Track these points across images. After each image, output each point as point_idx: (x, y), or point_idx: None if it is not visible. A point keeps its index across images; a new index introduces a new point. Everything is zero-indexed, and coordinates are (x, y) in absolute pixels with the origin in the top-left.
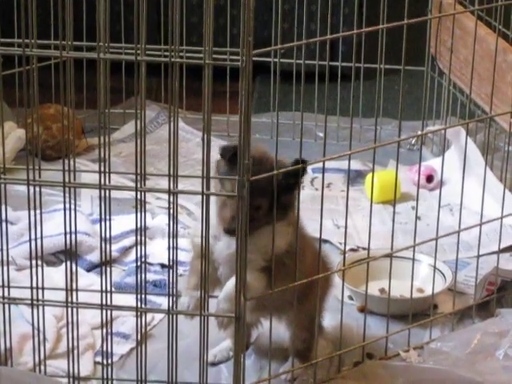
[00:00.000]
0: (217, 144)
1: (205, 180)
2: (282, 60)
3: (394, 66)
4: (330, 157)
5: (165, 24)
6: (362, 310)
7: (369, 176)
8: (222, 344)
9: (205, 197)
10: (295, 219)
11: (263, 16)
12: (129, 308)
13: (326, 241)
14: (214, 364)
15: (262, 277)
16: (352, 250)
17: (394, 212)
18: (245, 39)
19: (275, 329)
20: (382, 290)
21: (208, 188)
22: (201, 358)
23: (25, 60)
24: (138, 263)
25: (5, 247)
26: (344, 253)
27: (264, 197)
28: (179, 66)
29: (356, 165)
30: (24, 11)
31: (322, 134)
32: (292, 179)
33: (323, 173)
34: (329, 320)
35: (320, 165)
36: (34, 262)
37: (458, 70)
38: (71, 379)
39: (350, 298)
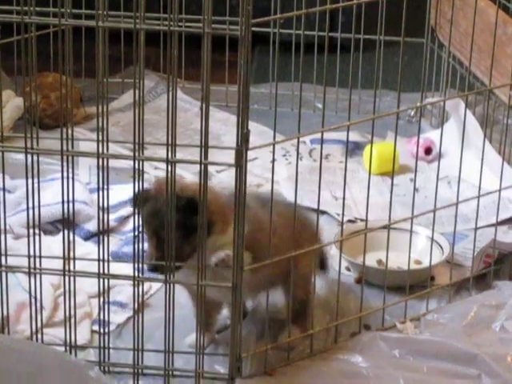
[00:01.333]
0: (216, 114)
1: (203, 149)
2: (281, 30)
3: (393, 37)
4: (329, 127)
5: None
6: (359, 281)
7: (367, 147)
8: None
9: (203, 166)
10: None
11: None
12: (126, 277)
13: (323, 212)
14: None
15: (246, 256)
16: (350, 221)
17: (392, 184)
18: (244, 8)
19: (272, 298)
20: (379, 262)
21: (206, 157)
22: (197, 327)
23: (23, 28)
24: (136, 233)
25: (2, 216)
26: (342, 224)
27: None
28: (178, 34)
29: (354, 136)
30: None
31: (320, 105)
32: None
33: (322, 144)
34: (326, 291)
35: (318, 136)
36: (31, 230)
37: (458, 42)
38: (68, 348)
39: (348, 269)
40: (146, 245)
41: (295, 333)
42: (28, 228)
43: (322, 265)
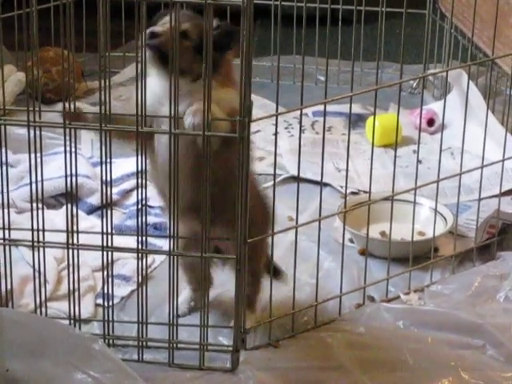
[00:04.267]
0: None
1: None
2: (282, 3)
3: (395, 9)
4: (331, 99)
5: None
6: (363, 252)
7: (370, 119)
8: (181, 297)
9: (206, 138)
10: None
11: None
12: (129, 250)
13: (327, 184)
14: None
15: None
16: (353, 193)
17: (395, 155)
18: None
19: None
20: (382, 233)
21: (209, 130)
22: (202, 299)
23: (25, 2)
24: (139, 206)
25: (5, 190)
26: (345, 196)
27: (193, 31)
28: (180, 6)
29: (357, 108)
30: None
31: (322, 78)
32: (223, 39)
33: (324, 115)
34: (330, 262)
35: (321, 108)
36: (34, 204)
37: (460, 12)
38: (72, 321)
39: (351, 240)
40: (149, 218)
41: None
42: (31, 202)
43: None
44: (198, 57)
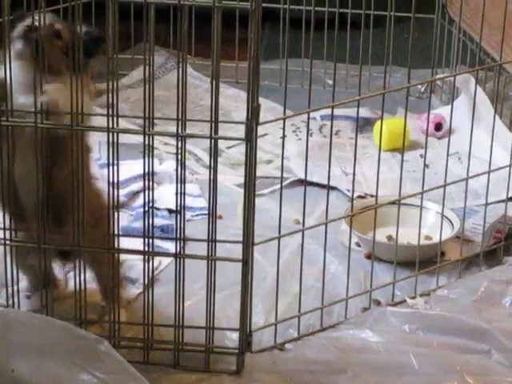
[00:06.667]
0: (226, 90)
1: (213, 124)
2: (291, 6)
3: (403, 13)
4: (339, 102)
5: None
6: (369, 256)
7: (377, 123)
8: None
9: (213, 141)
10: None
11: None
12: (136, 251)
13: (334, 188)
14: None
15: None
16: (360, 196)
17: (402, 159)
18: None
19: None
20: (389, 237)
21: (216, 132)
22: (207, 301)
23: (34, 3)
24: (146, 208)
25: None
26: (352, 199)
27: (65, 32)
28: (188, 9)
29: (365, 112)
30: None
31: (330, 82)
32: (91, 45)
33: (332, 119)
34: (336, 265)
35: (329, 112)
36: None
37: (469, 17)
38: (78, 322)
39: (358, 244)
40: (156, 220)
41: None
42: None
43: None
44: (65, 57)
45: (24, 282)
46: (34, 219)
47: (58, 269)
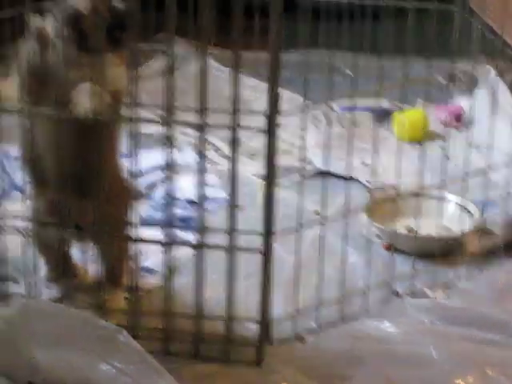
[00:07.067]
0: (245, 80)
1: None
2: None
3: (424, 4)
4: (360, 93)
5: None
6: (389, 248)
7: (397, 114)
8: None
9: (234, 131)
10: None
11: None
12: (155, 241)
13: (353, 179)
14: None
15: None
16: (379, 188)
17: (422, 150)
18: None
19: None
20: (409, 229)
21: (237, 123)
22: (228, 292)
23: None
24: (166, 198)
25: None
26: (371, 190)
27: (102, 9)
28: None
29: (384, 103)
30: None
31: (350, 73)
32: (121, 20)
33: (351, 110)
34: (356, 257)
35: (348, 103)
36: None
37: (490, 9)
38: (97, 311)
39: (377, 236)
40: (176, 210)
41: (108, 288)
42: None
43: None
44: (104, 35)
45: (44, 271)
46: (56, 189)
47: (77, 257)
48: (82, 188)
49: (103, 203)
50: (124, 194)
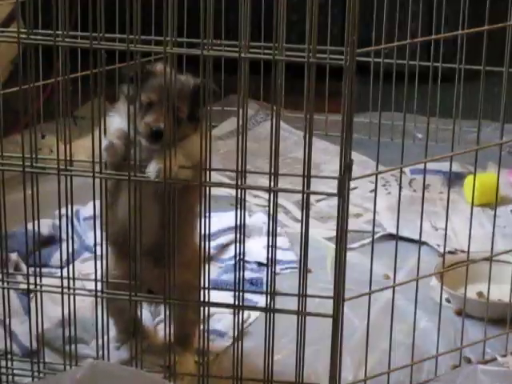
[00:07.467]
0: (315, 142)
1: (305, 179)
2: (385, 60)
3: (496, 67)
4: (431, 158)
5: (264, 22)
6: (460, 313)
7: (468, 178)
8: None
9: (305, 196)
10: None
11: (364, 16)
12: (226, 305)
13: (423, 242)
14: None
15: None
16: (450, 252)
17: (494, 215)
18: (349, 38)
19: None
20: (479, 294)
21: (308, 187)
22: (297, 356)
23: (129, 55)
24: (236, 260)
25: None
26: (443, 255)
27: (183, 103)
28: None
29: (455, 167)
30: (129, 9)
31: (420, 135)
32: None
33: (424, 174)
34: (426, 322)
35: (419, 166)
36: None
37: None
38: (167, 375)
39: (448, 300)
40: (245, 273)
41: (178, 351)
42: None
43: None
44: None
45: (113, 332)
46: (134, 256)
47: (147, 319)
48: (160, 255)
49: (177, 268)
50: (196, 258)
